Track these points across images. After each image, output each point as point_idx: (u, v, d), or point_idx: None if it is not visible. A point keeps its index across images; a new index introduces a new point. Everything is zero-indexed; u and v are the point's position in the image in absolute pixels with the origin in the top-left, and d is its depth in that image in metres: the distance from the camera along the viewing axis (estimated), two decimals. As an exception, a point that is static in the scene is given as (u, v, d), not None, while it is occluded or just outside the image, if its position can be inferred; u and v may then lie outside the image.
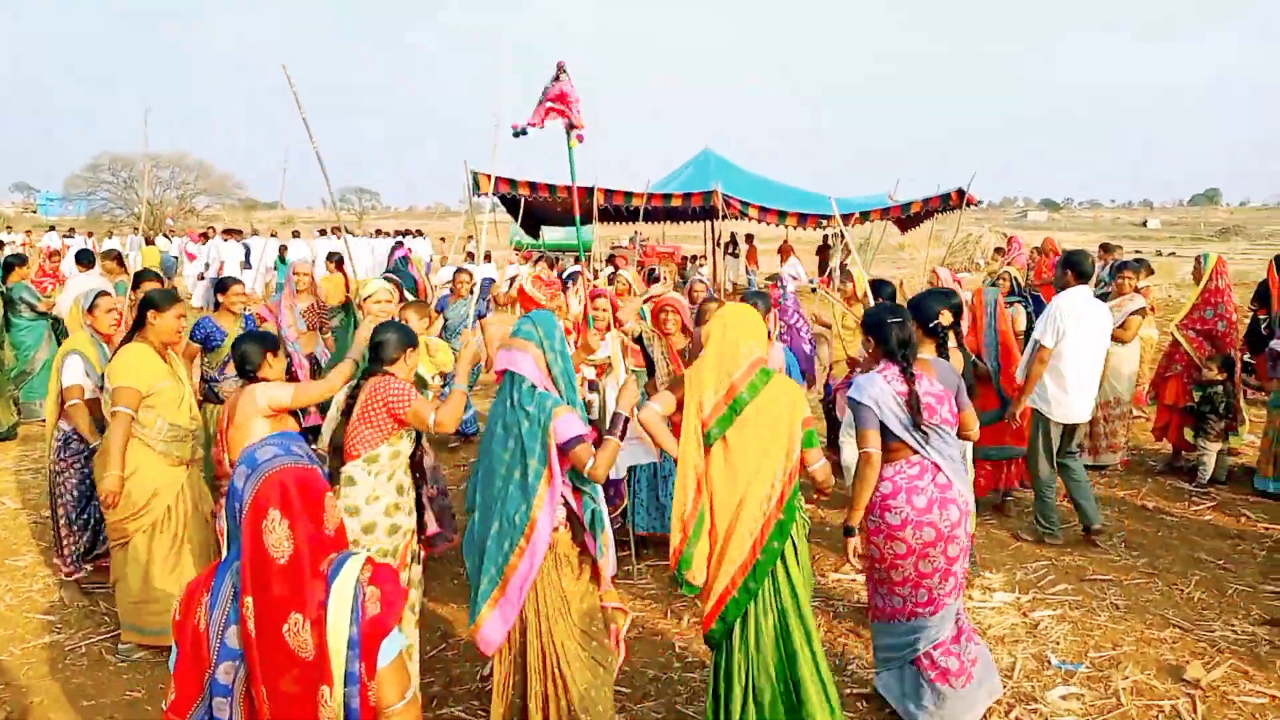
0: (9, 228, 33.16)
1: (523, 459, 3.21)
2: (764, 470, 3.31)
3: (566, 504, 3.29)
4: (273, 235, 19.29)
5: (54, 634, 4.90)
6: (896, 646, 3.89)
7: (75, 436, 5.03)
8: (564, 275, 20.61)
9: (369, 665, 2.01)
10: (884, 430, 3.72)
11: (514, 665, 3.36)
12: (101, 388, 4.93)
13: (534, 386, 3.27)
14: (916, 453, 3.76)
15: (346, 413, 3.87)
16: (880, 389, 3.72)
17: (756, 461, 3.31)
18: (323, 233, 21.63)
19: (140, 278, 6.34)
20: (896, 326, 3.81)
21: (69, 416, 4.93)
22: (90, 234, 28.54)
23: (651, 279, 10.71)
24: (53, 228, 27.48)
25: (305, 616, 1.95)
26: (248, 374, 4.10)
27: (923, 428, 3.72)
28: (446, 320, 8.04)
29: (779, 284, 8.19)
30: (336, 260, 14.80)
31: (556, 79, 4.49)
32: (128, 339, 4.65)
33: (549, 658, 3.29)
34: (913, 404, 3.69)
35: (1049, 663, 4.46)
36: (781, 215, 17.58)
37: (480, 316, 8.46)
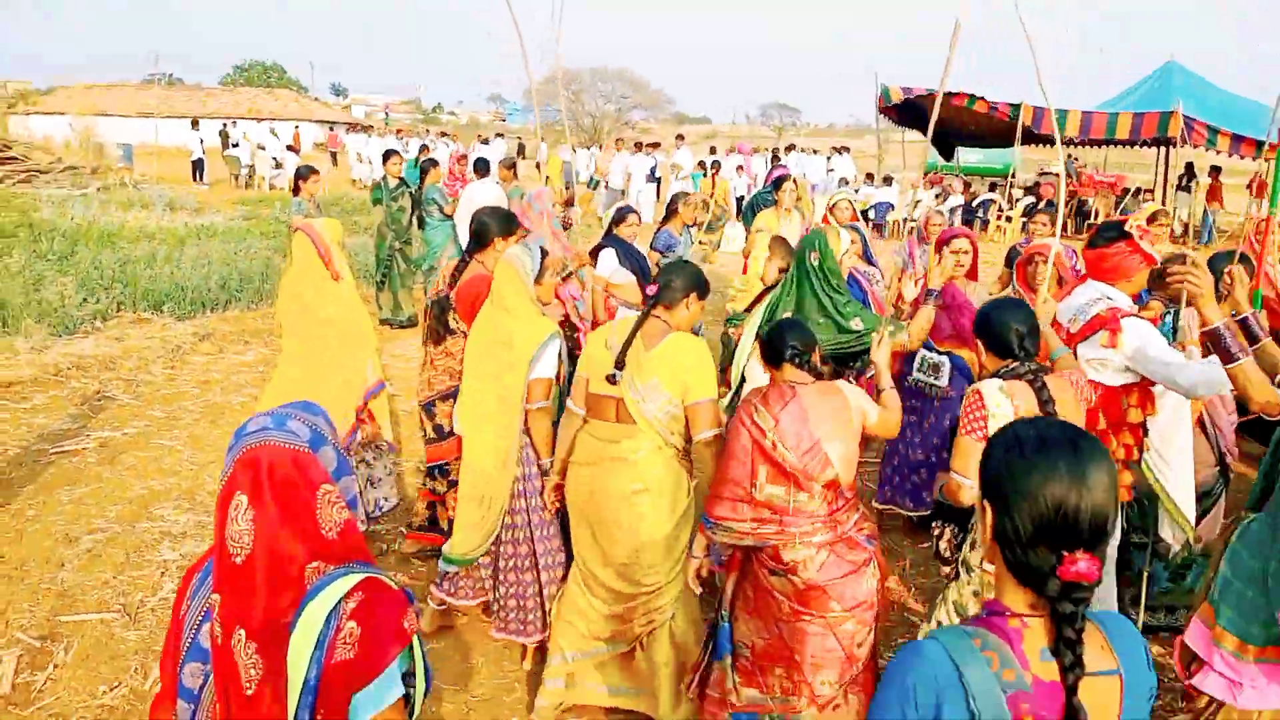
0: (398, 132, 34.59)
1: None
2: None
3: None
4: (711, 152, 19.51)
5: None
6: None
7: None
8: (974, 204, 18.89)
9: (328, 717, 1.54)
10: None
11: None
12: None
13: None
14: None
15: None
16: None
17: None
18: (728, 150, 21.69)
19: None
20: None
21: (531, 419, 3.69)
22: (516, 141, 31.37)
23: (1030, 212, 9.05)
24: (492, 136, 30.62)
25: (249, 635, 1.55)
26: None
27: None
28: (676, 257, 6.44)
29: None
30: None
31: None
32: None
33: None
34: None
35: None
36: (1259, 146, 14.33)
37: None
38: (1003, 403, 2.79)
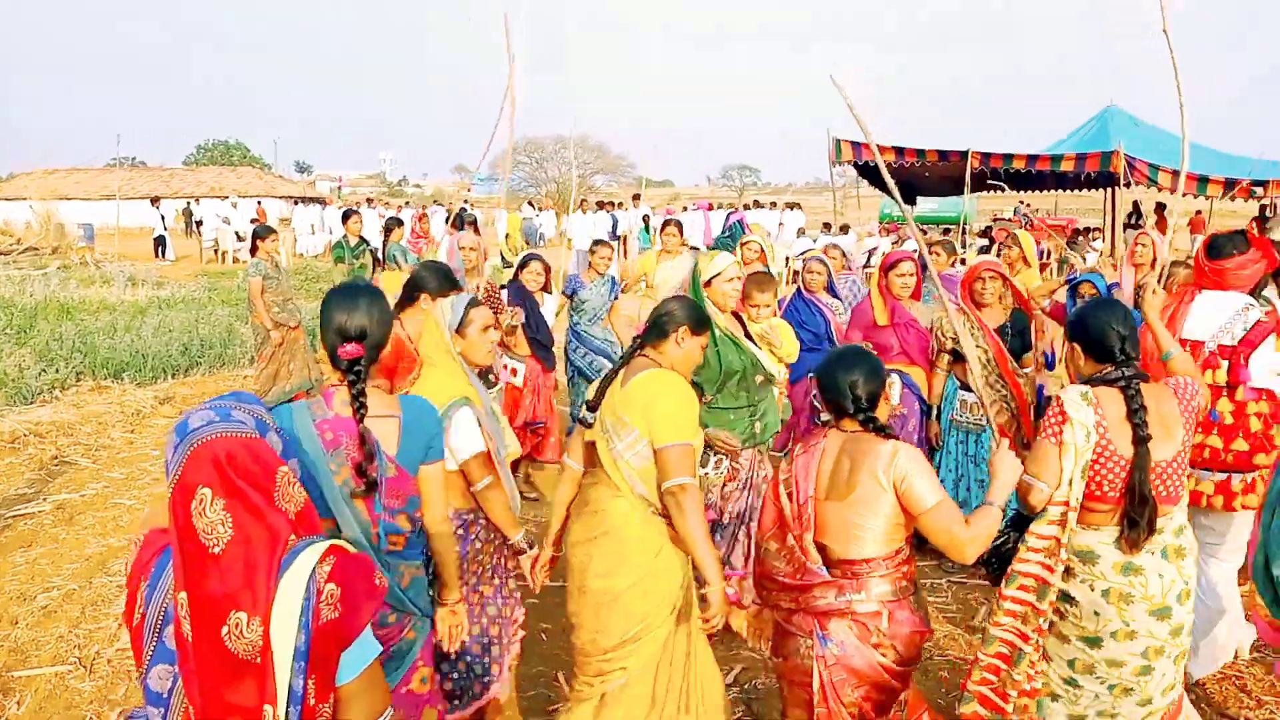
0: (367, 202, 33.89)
1: None
2: None
3: None
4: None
5: None
6: None
7: (481, 521, 3.18)
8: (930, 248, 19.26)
9: (320, 680, 1.59)
10: None
11: None
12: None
13: None
14: None
15: None
16: None
17: None
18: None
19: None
20: None
21: (482, 500, 3.10)
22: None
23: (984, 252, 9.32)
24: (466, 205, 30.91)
25: (250, 615, 1.56)
26: None
27: None
28: (579, 303, 6.62)
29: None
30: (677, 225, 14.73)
31: None
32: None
33: None
34: None
35: None
36: (1202, 182, 14.83)
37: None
38: (1083, 410, 2.66)
